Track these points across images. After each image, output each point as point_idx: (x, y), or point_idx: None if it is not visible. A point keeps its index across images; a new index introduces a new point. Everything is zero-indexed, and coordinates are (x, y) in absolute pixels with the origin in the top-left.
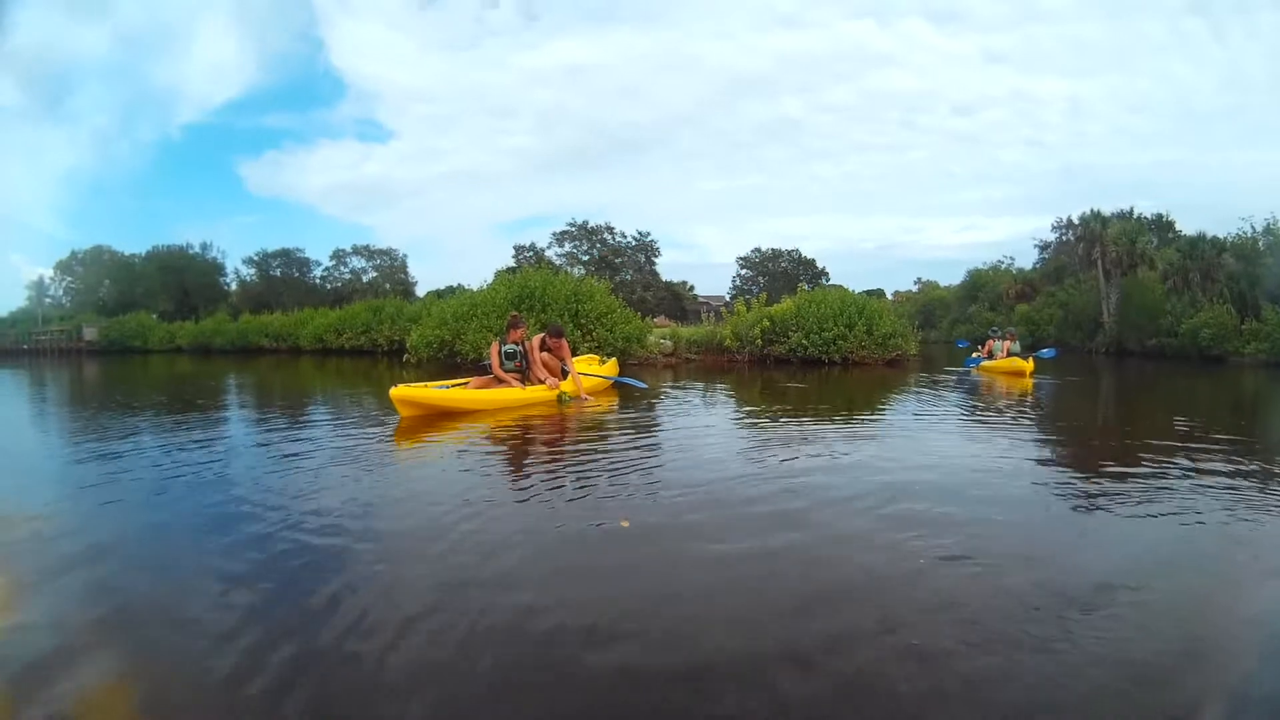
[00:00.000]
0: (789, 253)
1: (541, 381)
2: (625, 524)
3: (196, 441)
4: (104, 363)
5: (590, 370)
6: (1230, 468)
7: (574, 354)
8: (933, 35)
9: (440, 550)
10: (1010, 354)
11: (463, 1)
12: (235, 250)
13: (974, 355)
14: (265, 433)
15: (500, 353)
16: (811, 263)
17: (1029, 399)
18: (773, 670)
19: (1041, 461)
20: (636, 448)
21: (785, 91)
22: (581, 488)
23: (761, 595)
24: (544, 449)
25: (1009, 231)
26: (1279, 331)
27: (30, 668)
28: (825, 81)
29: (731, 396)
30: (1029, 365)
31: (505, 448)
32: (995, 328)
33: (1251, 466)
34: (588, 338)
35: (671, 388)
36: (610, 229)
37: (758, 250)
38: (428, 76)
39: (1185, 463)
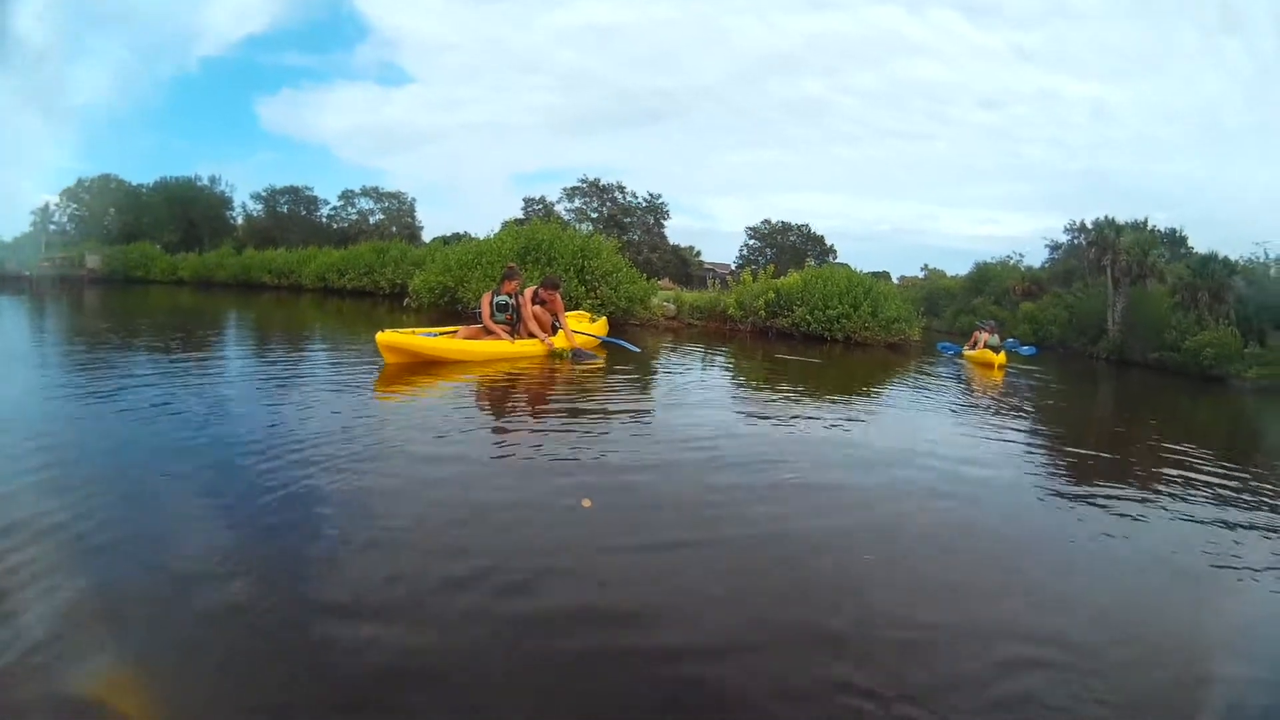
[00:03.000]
0: (799, 227)
1: (532, 335)
2: (587, 504)
3: (176, 380)
4: (104, 292)
5: (580, 328)
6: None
7: (567, 310)
8: (963, 26)
9: (400, 510)
10: (986, 345)
11: None
12: (247, 187)
13: (952, 345)
14: (246, 375)
15: (492, 303)
16: (820, 239)
17: (995, 392)
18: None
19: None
20: (620, 414)
21: (811, 72)
22: (552, 453)
23: (697, 585)
24: (524, 407)
25: (1022, 229)
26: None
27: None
28: (852, 65)
29: (729, 366)
30: (998, 358)
31: (486, 403)
32: (981, 320)
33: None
34: (592, 294)
35: (670, 351)
36: (621, 188)
37: (767, 222)
38: (453, 25)
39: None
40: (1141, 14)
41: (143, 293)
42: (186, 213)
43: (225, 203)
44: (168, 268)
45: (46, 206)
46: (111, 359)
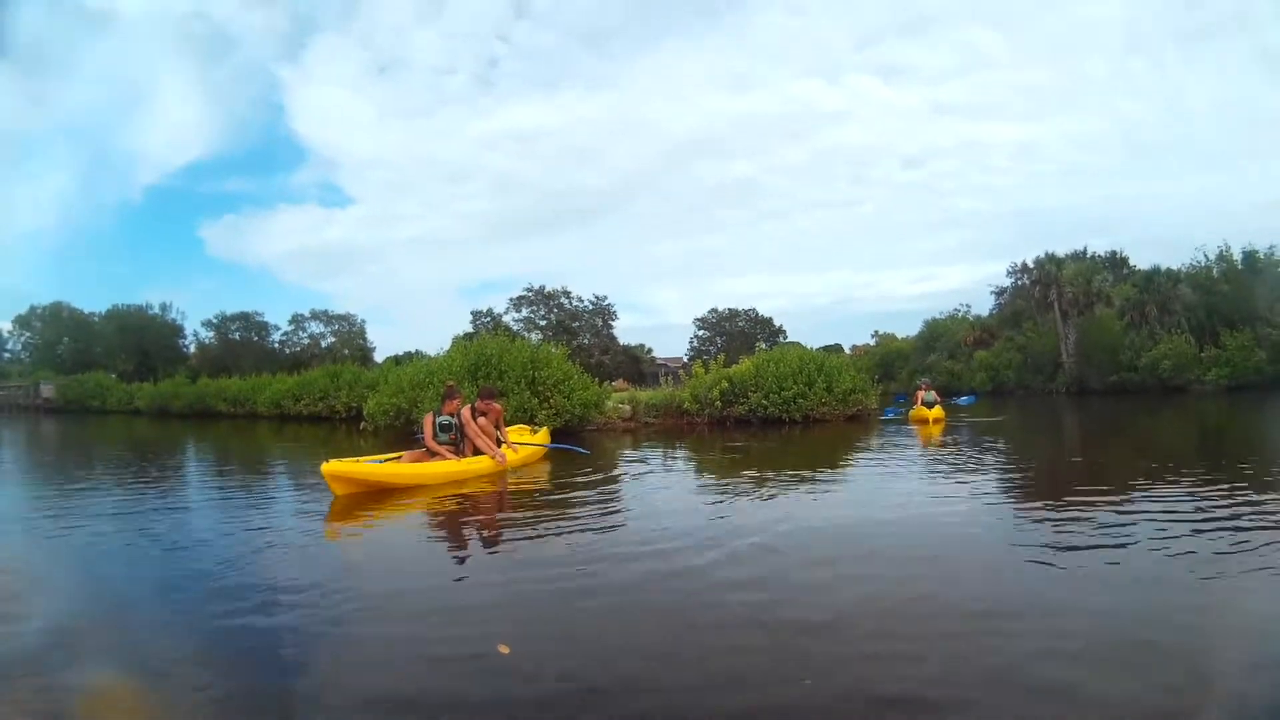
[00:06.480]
0: (745, 312)
1: (479, 452)
2: (505, 650)
3: (138, 514)
4: (61, 422)
5: (523, 439)
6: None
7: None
8: (881, 90)
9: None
10: (923, 403)
11: (419, 68)
12: (195, 314)
13: (891, 407)
14: (203, 514)
15: (435, 424)
16: (769, 321)
17: (944, 448)
18: None
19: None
20: (573, 532)
21: (738, 153)
22: (487, 582)
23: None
24: (470, 531)
25: (964, 279)
26: (1239, 356)
27: None
28: (777, 141)
29: (689, 464)
30: (932, 414)
31: (433, 530)
32: (919, 379)
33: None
34: (545, 405)
35: (627, 453)
36: (567, 293)
37: (714, 311)
38: (386, 143)
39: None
40: (1052, 51)
41: (100, 423)
42: (139, 341)
43: (177, 330)
44: (123, 397)
45: (0, 334)
46: (77, 494)
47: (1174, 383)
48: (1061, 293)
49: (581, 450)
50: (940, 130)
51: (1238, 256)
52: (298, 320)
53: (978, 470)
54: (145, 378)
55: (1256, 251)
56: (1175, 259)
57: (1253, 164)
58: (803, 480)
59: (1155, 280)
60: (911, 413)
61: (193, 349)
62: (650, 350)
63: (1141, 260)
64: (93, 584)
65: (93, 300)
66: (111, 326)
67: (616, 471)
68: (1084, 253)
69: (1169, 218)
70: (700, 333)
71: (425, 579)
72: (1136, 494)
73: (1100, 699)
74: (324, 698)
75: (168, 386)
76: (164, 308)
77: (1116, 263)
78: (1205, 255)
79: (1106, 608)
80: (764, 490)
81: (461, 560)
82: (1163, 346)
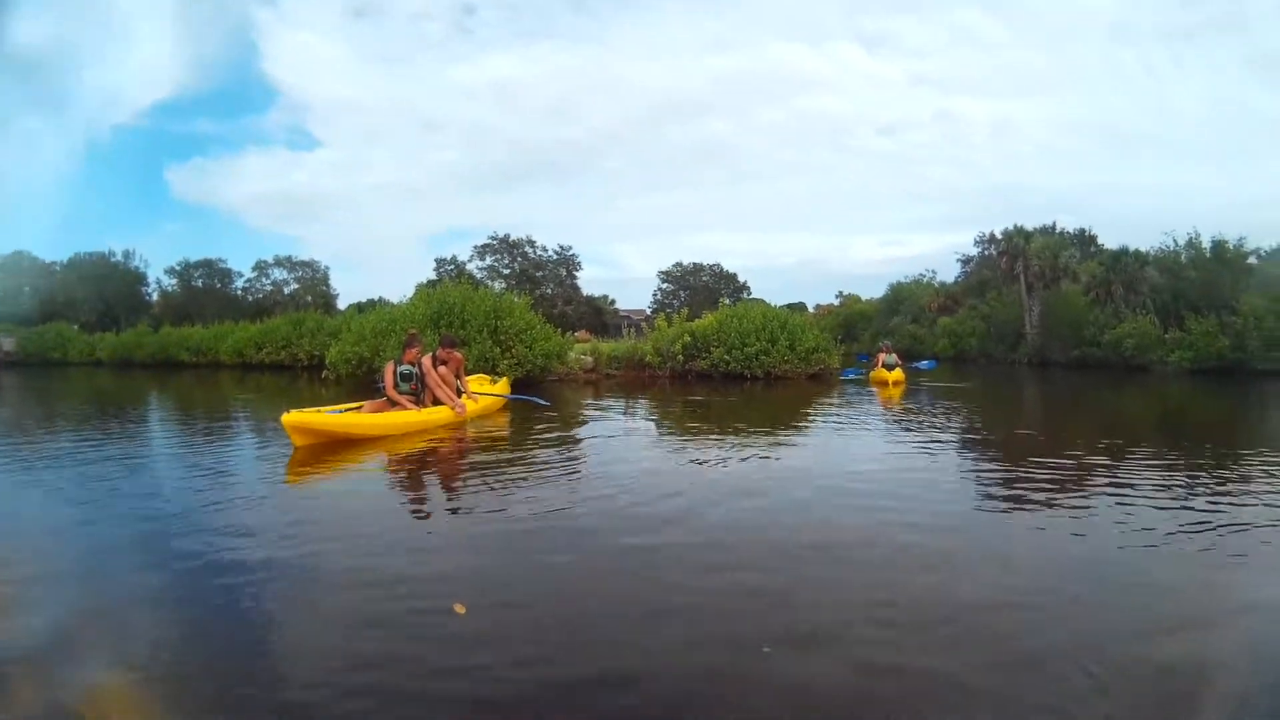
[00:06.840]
0: (710, 267)
1: (439, 402)
2: (460, 610)
3: (94, 466)
4: (23, 376)
5: (482, 389)
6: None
7: (473, 372)
8: (862, 59)
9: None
10: (884, 365)
11: (397, 13)
12: (158, 259)
13: (852, 367)
14: (160, 469)
15: (395, 373)
16: (733, 277)
17: (893, 409)
18: None
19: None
20: (532, 486)
21: (714, 112)
22: (443, 537)
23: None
24: (428, 482)
25: (931, 247)
26: (1202, 341)
27: None
28: (754, 103)
29: (650, 417)
30: (892, 376)
31: (392, 482)
32: (881, 341)
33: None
34: (507, 354)
35: (589, 405)
36: (531, 242)
37: (679, 264)
38: (359, 87)
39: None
40: (1041, 35)
41: (62, 376)
42: (101, 291)
43: (139, 278)
44: (85, 349)
45: None
46: (36, 448)
47: (1136, 362)
48: (1028, 265)
49: (542, 402)
50: (917, 101)
51: (1206, 244)
52: (261, 267)
53: (939, 432)
54: (108, 328)
55: (1225, 241)
56: (1146, 239)
57: (1238, 163)
58: (765, 436)
59: (1123, 260)
60: (872, 374)
61: (155, 297)
62: (614, 301)
63: (1110, 239)
64: (48, 539)
65: (56, 248)
66: (74, 276)
67: (577, 424)
68: (1052, 228)
69: (1142, 207)
70: (664, 286)
71: (382, 534)
72: (1097, 463)
73: (1044, 642)
74: (272, 651)
75: (130, 337)
76: (127, 255)
77: (1084, 240)
78: (1174, 240)
79: (1056, 560)
80: (726, 445)
81: (419, 515)
82: (1127, 325)
